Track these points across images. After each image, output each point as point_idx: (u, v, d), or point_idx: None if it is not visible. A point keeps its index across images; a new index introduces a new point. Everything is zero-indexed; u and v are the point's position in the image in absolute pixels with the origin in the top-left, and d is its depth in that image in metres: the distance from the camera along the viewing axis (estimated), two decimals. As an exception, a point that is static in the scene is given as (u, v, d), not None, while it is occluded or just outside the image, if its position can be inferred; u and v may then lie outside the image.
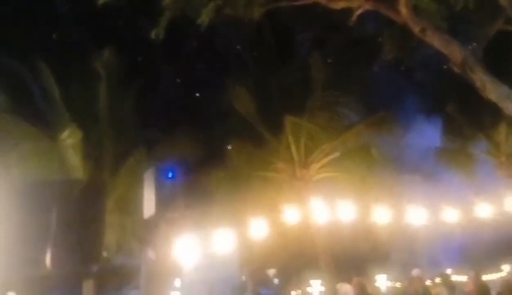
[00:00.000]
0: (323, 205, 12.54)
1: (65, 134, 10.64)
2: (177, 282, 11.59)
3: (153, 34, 10.58)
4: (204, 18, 10.13)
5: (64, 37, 15.14)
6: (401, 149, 14.02)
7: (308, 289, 18.32)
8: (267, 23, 13.41)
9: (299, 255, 14.12)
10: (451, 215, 13.53)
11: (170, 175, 5.83)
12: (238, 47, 14.25)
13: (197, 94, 13.86)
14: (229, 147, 12.85)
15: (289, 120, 12.21)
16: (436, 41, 8.46)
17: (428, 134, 15.29)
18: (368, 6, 8.91)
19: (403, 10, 8.31)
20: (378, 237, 13.32)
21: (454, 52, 8.32)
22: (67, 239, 4.73)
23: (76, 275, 5.00)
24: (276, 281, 22.14)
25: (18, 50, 12.35)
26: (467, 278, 10.01)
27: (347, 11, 10.46)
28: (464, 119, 15.32)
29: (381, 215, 12.92)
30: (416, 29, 8.54)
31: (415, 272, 11.69)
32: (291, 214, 12.31)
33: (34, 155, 10.91)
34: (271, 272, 20.96)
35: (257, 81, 13.45)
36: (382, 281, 16.35)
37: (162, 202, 5.87)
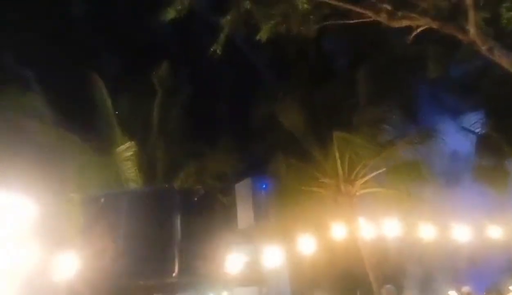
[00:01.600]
0: (368, 221, 12.56)
1: (121, 148, 10.80)
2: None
3: (212, 50, 10.78)
4: (264, 34, 10.33)
5: (115, 50, 15.39)
6: (443, 164, 14.06)
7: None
8: (312, 39, 13.61)
9: (346, 271, 14.07)
10: (494, 231, 13.51)
11: (264, 186, 5.97)
12: (281, 62, 14.40)
13: (241, 109, 13.93)
14: (274, 161, 12.86)
15: (336, 136, 12.28)
16: (503, 60, 8.57)
17: (466, 149, 15.34)
18: (434, 25, 9.05)
19: (472, 29, 8.44)
20: (424, 253, 13.29)
21: (522, 71, 8.44)
22: (192, 247, 4.83)
23: (207, 282, 5.09)
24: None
25: (69, 63, 12.58)
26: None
27: (402, 30, 10.61)
28: (500, 137, 15.39)
29: (426, 231, 12.92)
30: (483, 47, 8.66)
31: (465, 289, 11.69)
32: (337, 230, 12.32)
33: (91, 168, 11.05)
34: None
35: (301, 96, 13.57)
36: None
37: (257, 213, 6.00)
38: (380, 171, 12.79)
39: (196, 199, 4.95)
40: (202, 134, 13.15)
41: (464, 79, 14.99)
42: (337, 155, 12.55)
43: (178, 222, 4.68)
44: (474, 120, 15.74)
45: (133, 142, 10.80)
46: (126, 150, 10.78)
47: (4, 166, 9.62)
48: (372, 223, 12.48)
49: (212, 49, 10.61)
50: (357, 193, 13.08)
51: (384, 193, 13.06)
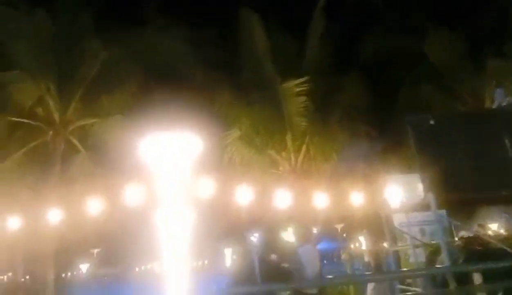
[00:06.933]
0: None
1: (290, 83, 10.89)
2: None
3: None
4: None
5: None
6: None
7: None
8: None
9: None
10: None
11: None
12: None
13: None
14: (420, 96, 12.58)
15: (491, 65, 11.82)
16: None
17: None
18: None
19: None
20: None
21: None
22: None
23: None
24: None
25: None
26: None
27: None
28: None
29: None
30: None
31: None
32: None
33: (260, 103, 11.26)
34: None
35: (450, 29, 12.98)
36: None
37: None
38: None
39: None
40: (343, 68, 13.02)
41: None
42: (494, 83, 12.12)
43: (507, 140, 4.92)
44: None
45: (306, 77, 10.79)
46: (297, 85, 10.84)
47: (170, 107, 9.85)
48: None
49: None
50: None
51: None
